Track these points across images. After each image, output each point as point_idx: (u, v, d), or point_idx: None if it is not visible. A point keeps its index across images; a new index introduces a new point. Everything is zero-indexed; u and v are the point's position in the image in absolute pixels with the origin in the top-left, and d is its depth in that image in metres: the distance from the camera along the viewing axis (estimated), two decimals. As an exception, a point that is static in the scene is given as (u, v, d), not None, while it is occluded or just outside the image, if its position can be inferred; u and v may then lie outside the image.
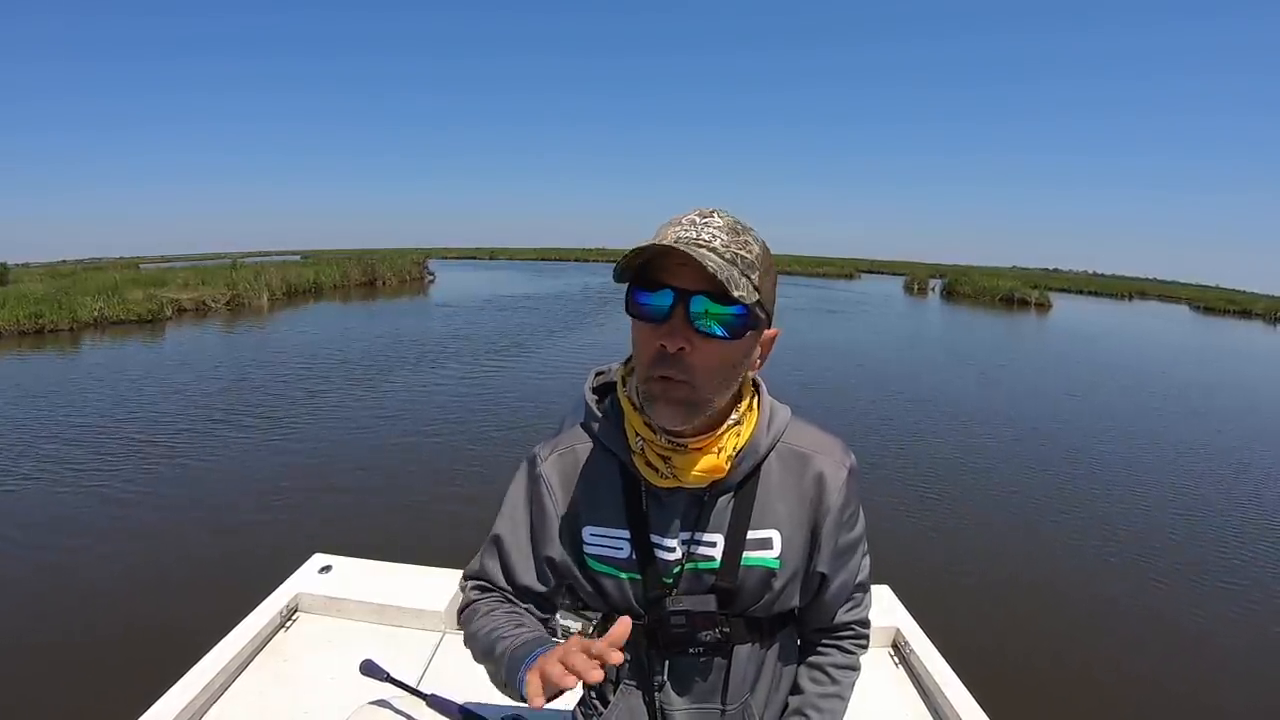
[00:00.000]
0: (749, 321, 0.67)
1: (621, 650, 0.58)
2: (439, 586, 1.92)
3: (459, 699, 1.36)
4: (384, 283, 24.48)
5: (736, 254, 0.65)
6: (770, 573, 0.76)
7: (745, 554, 0.76)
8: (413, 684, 1.45)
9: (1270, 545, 4.49)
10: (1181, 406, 9.06)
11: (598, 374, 0.86)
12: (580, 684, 0.92)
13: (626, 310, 0.69)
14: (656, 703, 0.79)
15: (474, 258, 60.92)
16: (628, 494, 0.77)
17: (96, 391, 7.83)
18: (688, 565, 0.76)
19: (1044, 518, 4.87)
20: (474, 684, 1.52)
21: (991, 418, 7.72)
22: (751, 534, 0.76)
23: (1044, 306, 25.50)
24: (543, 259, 58.02)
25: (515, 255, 65.22)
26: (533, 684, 0.60)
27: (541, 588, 0.81)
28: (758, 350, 0.74)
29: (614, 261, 0.66)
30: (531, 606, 0.82)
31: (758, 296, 0.66)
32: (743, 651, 0.79)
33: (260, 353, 10.73)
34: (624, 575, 0.77)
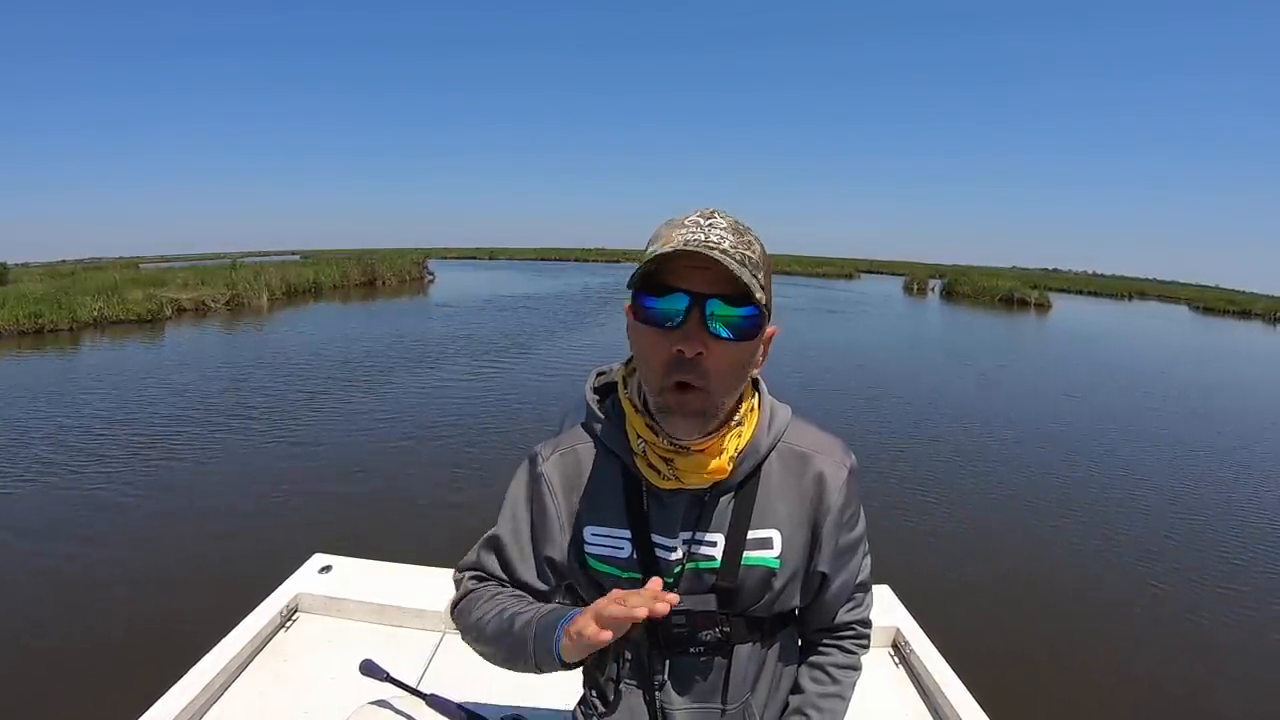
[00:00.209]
0: (760, 322, 0.67)
1: (665, 603, 0.60)
2: (439, 586, 1.92)
3: (459, 699, 1.36)
4: (384, 283, 24.48)
5: (745, 255, 0.65)
6: (770, 572, 0.76)
7: (745, 554, 0.76)
8: (413, 684, 1.45)
9: (1269, 547, 4.49)
10: (1181, 407, 9.07)
11: (598, 374, 0.86)
12: (582, 682, 0.92)
13: (635, 316, 0.69)
14: (657, 702, 0.79)
15: (474, 258, 60.89)
16: (629, 494, 0.77)
17: (96, 391, 7.83)
18: (688, 565, 0.76)
19: (1044, 518, 4.87)
20: (474, 684, 1.52)
21: (991, 418, 7.73)
22: (752, 534, 0.76)
23: (1044, 307, 25.50)
24: (542, 259, 57.98)
25: (515, 255, 65.16)
26: (572, 639, 0.63)
27: (541, 586, 0.81)
28: (760, 349, 0.74)
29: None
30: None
31: (764, 296, 0.66)
32: (743, 651, 0.79)
33: (260, 353, 10.74)
34: (625, 575, 0.77)
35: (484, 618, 0.77)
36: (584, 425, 0.82)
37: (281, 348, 11.12)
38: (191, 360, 9.97)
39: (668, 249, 0.63)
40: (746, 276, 0.63)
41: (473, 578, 0.84)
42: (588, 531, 0.79)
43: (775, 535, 0.77)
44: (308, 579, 1.94)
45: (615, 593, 0.62)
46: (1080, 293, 42.29)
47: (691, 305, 0.65)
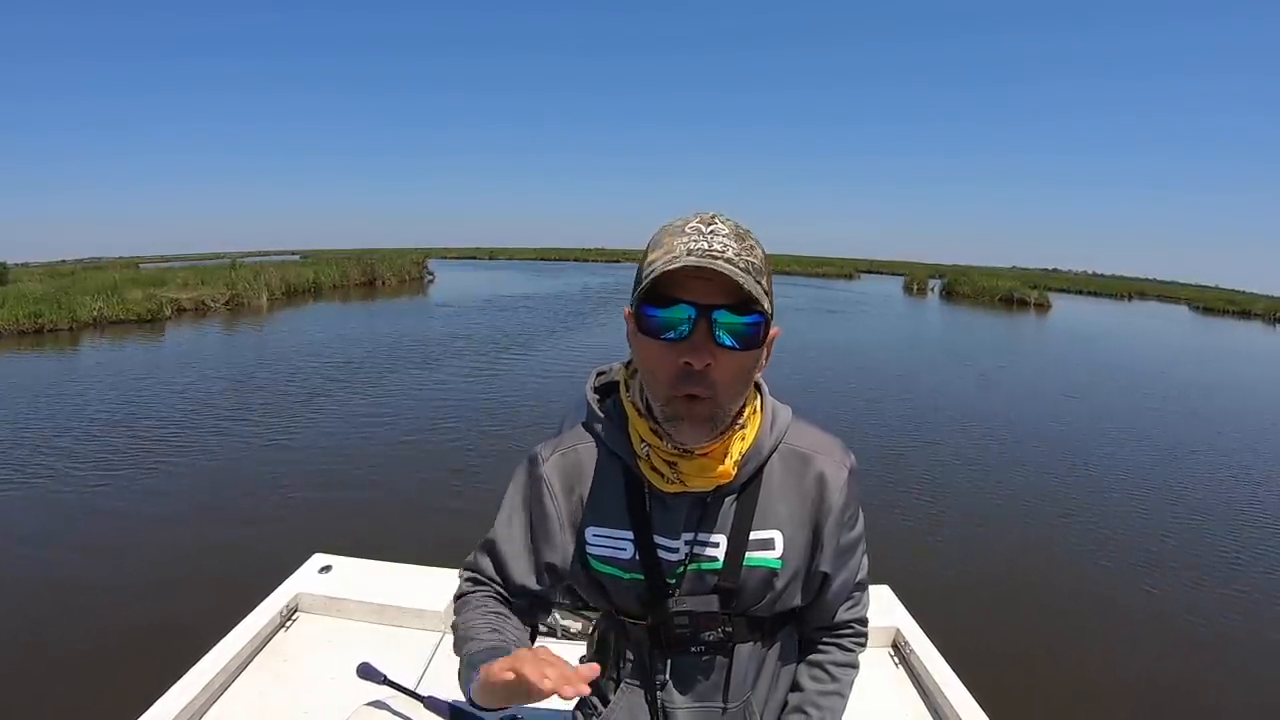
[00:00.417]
0: (765, 329, 0.67)
1: (575, 691, 0.56)
2: (439, 586, 1.92)
3: (458, 700, 1.36)
4: (383, 283, 24.47)
5: (748, 262, 0.64)
6: (772, 573, 0.77)
7: (748, 554, 0.76)
8: (412, 684, 1.44)
9: (1269, 548, 4.49)
10: (1181, 407, 9.08)
11: (599, 373, 0.86)
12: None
13: (638, 327, 0.68)
14: (658, 701, 0.80)
15: (474, 258, 60.87)
16: (630, 495, 0.77)
17: (96, 391, 7.83)
18: (690, 566, 0.76)
19: (1043, 518, 4.87)
20: (474, 684, 1.52)
21: (991, 418, 7.73)
22: (754, 535, 0.76)
23: (1043, 307, 25.51)
24: (542, 259, 57.97)
25: (515, 255, 65.13)
26: (480, 682, 0.60)
27: (537, 587, 0.81)
28: (764, 352, 0.73)
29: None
30: (524, 605, 0.82)
31: (769, 302, 0.66)
32: (744, 650, 0.79)
33: (259, 353, 10.74)
34: (627, 576, 0.77)
35: (460, 627, 0.77)
36: (585, 425, 0.82)
37: (281, 348, 11.13)
38: (191, 360, 9.97)
39: (674, 266, 0.62)
40: (751, 285, 0.62)
41: (468, 579, 0.85)
42: (589, 532, 0.79)
43: (777, 536, 0.77)
44: (308, 579, 1.94)
45: (543, 652, 0.59)
46: (1080, 293, 42.31)
47: (698, 317, 0.64)
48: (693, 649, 0.78)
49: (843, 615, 0.86)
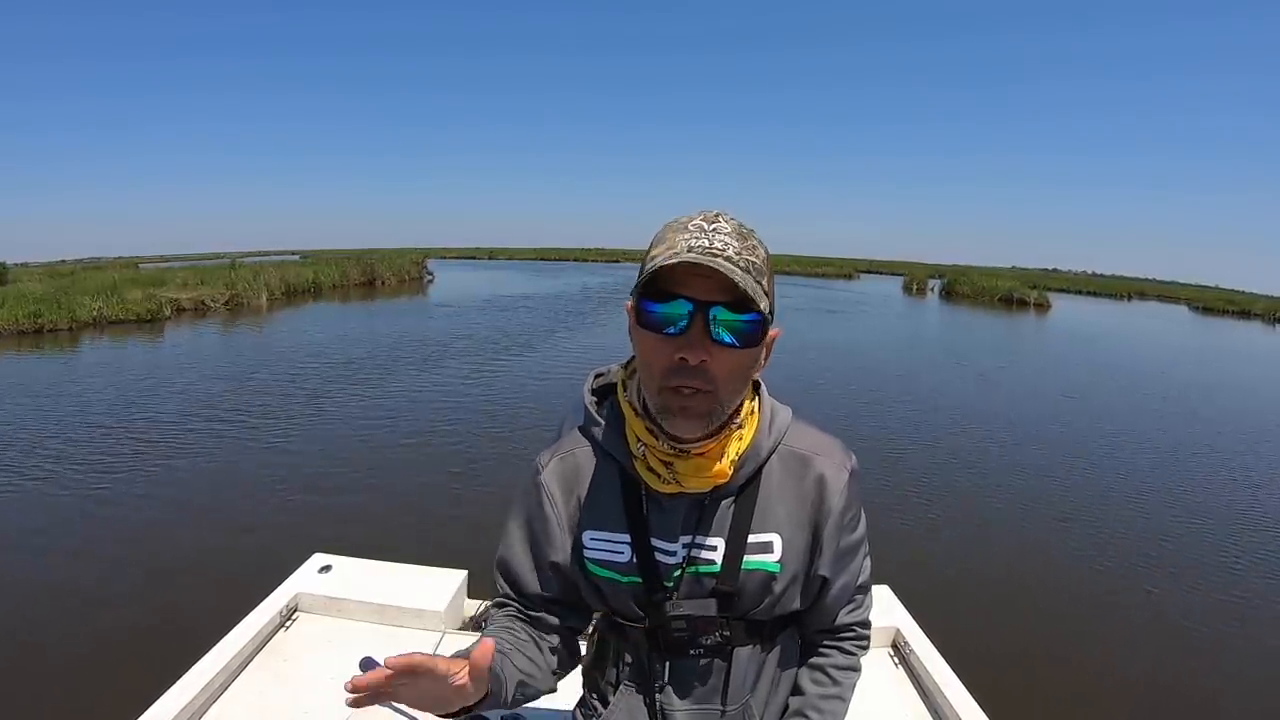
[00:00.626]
0: (763, 328, 0.67)
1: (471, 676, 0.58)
2: (439, 586, 1.92)
3: None
4: (383, 283, 24.46)
5: (749, 261, 0.65)
6: (771, 576, 0.76)
7: (746, 558, 0.75)
8: None
9: (1270, 550, 4.49)
10: (1181, 407, 9.07)
11: (596, 375, 0.86)
12: (581, 683, 0.92)
13: (637, 321, 0.68)
14: (657, 704, 0.79)
15: (473, 257, 60.83)
16: (628, 498, 0.77)
17: (95, 392, 7.82)
18: (688, 569, 0.76)
19: (1044, 519, 4.87)
20: (474, 684, 1.52)
21: (991, 419, 7.73)
22: (752, 538, 0.76)
23: (1043, 307, 25.50)
24: (542, 259, 57.94)
25: (514, 255, 65.09)
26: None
27: (548, 595, 0.81)
28: (764, 351, 0.73)
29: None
30: (545, 615, 0.82)
31: (768, 301, 0.66)
32: (743, 653, 0.79)
33: (259, 353, 10.74)
34: (624, 579, 0.77)
35: None
36: (582, 429, 0.81)
37: (281, 348, 11.12)
38: (191, 360, 9.96)
39: (673, 261, 0.63)
40: (750, 284, 0.63)
41: (493, 604, 0.85)
42: (587, 536, 0.79)
43: (776, 539, 0.76)
44: (307, 579, 1.94)
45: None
46: (1080, 293, 42.30)
47: (695, 312, 0.64)
48: (691, 652, 0.77)
49: (844, 618, 0.86)
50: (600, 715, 0.84)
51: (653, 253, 0.67)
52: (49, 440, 5.94)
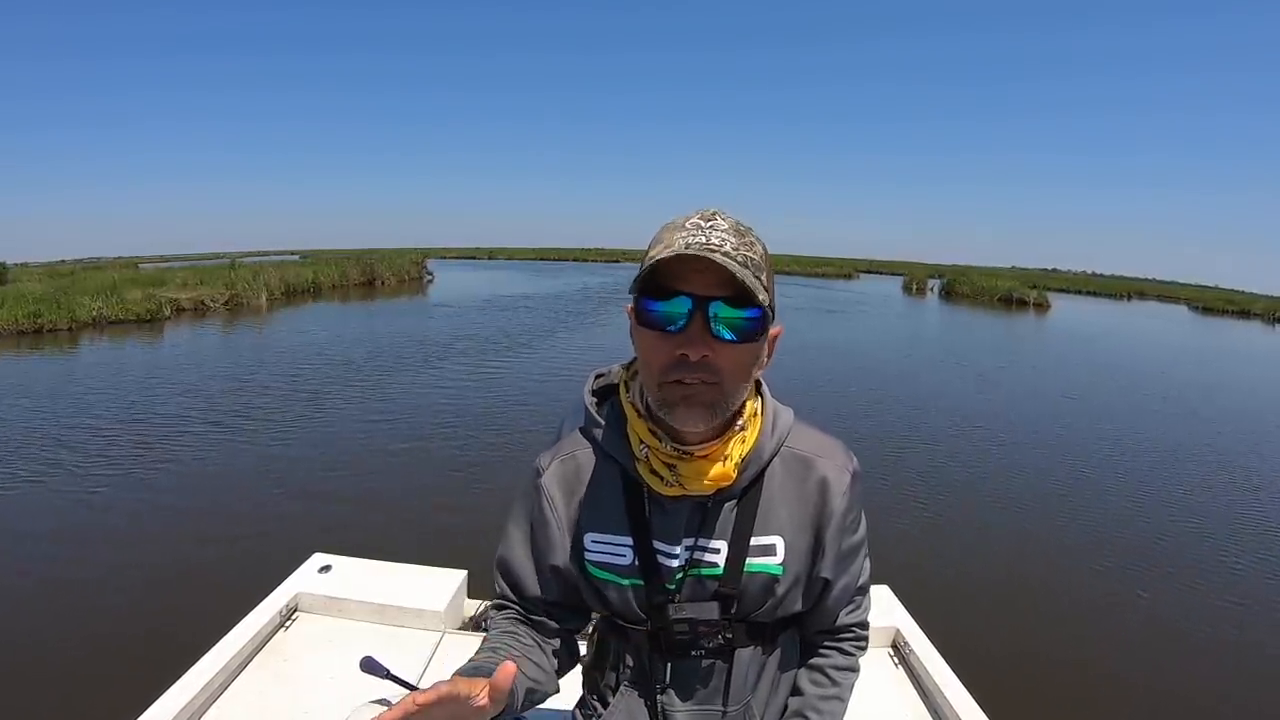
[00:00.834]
0: (764, 323, 0.67)
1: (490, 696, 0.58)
2: (439, 586, 1.92)
3: None
4: (383, 283, 24.45)
5: (747, 256, 0.65)
6: (773, 579, 0.76)
7: (748, 560, 0.75)
8: (413, 682, 1.44)
9: (1270, 552, 4.49)
10: (1181, 408, 9.07)
11: (597, 376, 0.86)
12: (581, 684, 0.92)
13: (637, 320, 0.68)
14: (658, 705, 0.79)
15: (473, 257, 60.83)
16: (630, 500, 0.77)
17: (95, 392, 7.82)
18: (691, 572, 0.76)
19: (1043, 519, 4.87)
20: (474, 684, 1.52)
21: (991, 419, 7.72)
22: (755, 540, 0.75)
23: (1043, 306, 25.51)
24: (541, 259, 57.95)
25: (514, 255, 65.08)
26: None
27: (549, 598, 0.81)
28: (766, 348, 0.73)
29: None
30: (545, 617, 0.82)
31: (768, 296, 0.66)
32: (744, 655, 0.79)
33: (259, 353, 10.73)
34: (626, 582, 0.77)
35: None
36: (583, 430, 0.81)
37: (280, 348, 11.12)
38: (190, 360, 9.96)
39: (668, 254, 0.63)
40: (748, 278, 0.62)
41: (493, 605, 0.85)
42: (588, 539, 0.78)
43: (778, 541, 0.76)
44: (307, 579, 1.94)
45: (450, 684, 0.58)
46: (1079, 292, 42.31)
47: (694, 308, 0.64)
48: (693, 654, 0.77)
49: (844, 619, 0.86)
50: (600, 716, 0.84)
51: (651, 253, 0.67)
52: (48, 441, 5.93)
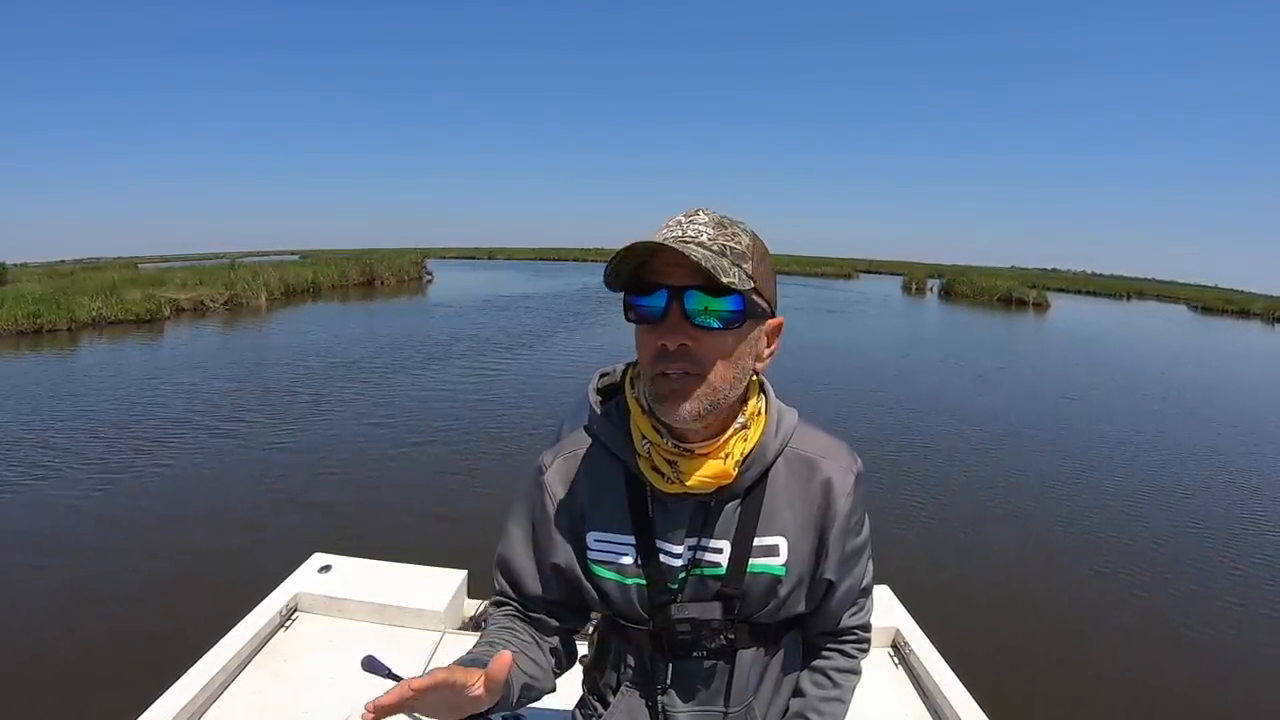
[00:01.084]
0: (746, 310, 0.67)
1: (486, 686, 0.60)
2: (439, 586, 1.92)
3: None
4: (382, 283, 24.46)
5: (725, 245, 0.66)
6: (776, 580, 0.76)
7: (751, 561, 0.75)
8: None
9: (1269, 552, 4.49)
10: (1180, 408, 9.07)
11: (602, 375, 0.86)
12: (581, 683, 0.92)
13: (625, 316, 0.69)
14: (659, 706, 0.79)
15: (472, 257, 60.86)
16: (632, 499, 0.77)
17: (94, 392, 7.82)
18: (693, 572, 0.76)
19: (1044, 520, 4.87)
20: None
21: (990, 420, 7.72)
22: (758, 541, 0.75)
23: (1042, 306, 25.53)
24: (541, 259, 58.00)
25: (513, 255, 65.15)
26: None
27: (550, 596, 0.81)
28: (764, 340, 0.73)
29: (610, 259, 0.66)
30: (545, 615, 0.82)
31: (752, 284, 0.66)
32: (747, 656, 0.79)
33: (258, 353, 10.73)
34: (628, 581, 0.77)
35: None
36: (586, 428, 0.81)
37: (280, 348, 11.11)
38: (190, 361, 9.95)
39: (625, 245, 0.64)
40: (722, 265, 0.63)
41: (492, 602, 0.86)
42: (590, 537, 0.78)
43: (781, 542, 0.76)
44: (307, 579, 1.94)
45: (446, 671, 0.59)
46: (1079, 292, 42.33)
47: (670, 298, 0.65)
48: (695, 654, 0.77)
49: (846, 621, 0.86)
50: (601, 716, 0.84)
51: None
52: (48, 441, 5.93)
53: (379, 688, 1.55)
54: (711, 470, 0.71)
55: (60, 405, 7.18)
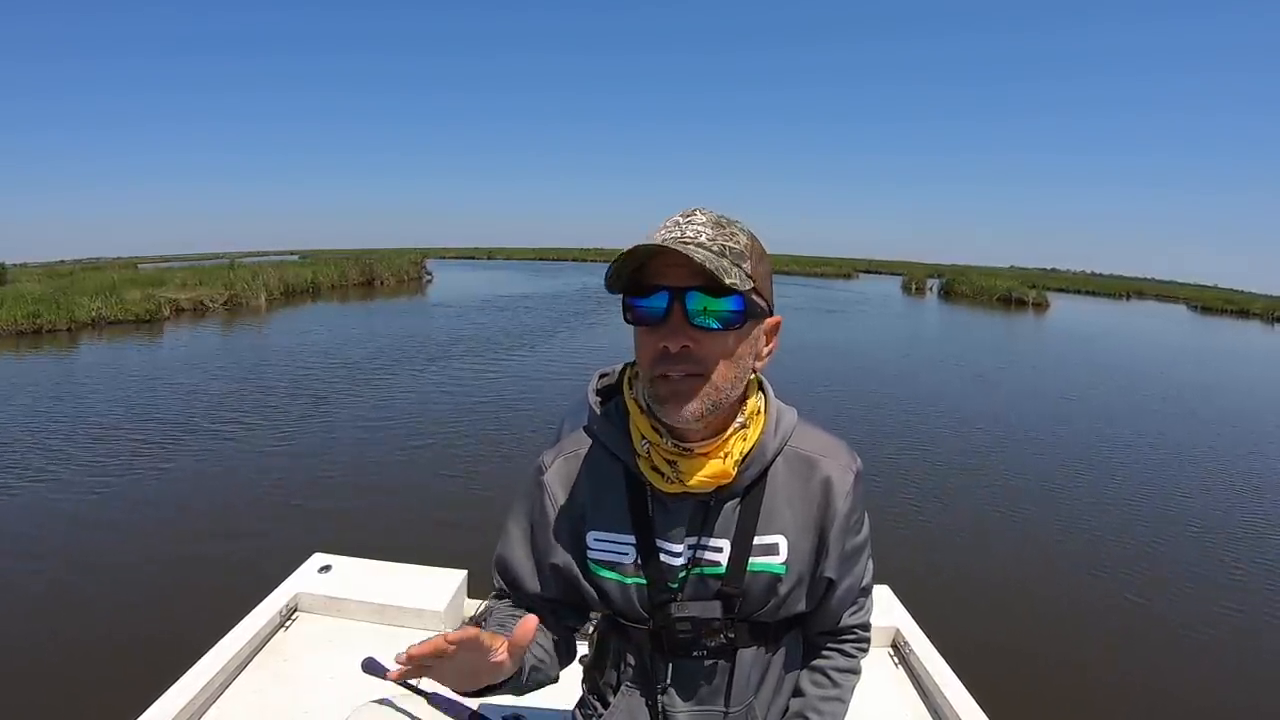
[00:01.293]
0: (746, 310, 0.67)
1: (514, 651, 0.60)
2: (439, 586, 1.92)
3: (460, 698, 1.35)
4: (382, 283, 24.45)
5: (725, 245, 0.66)
6: (776, 579, 0.76)
7: (751, 560, 0.75)
8: (413, 682, 1.44)
9: (1270, 554, 4.49)
10: (1180, 408, 9.07)
11: (601, 375, 0.86)
12: (581, 682, 0.92)
13: (626, 318, 0.69)
14: (659, 705, 0.79)
15: (472, 257, 60.85)
16: (633, 498, 0.77)
17: (94, 392, 7.81)
18: (693, 571, 0.76)
19: (1044, 520, 4.87)
20: (474, 684, 1.52)
21: (990, 420, 7.73)
22: (758, 540, 0.75)
23: (1042, 306, 25.54)
24: (541, 259, 58.01)
25: (513, 255, 65.16)
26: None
27: (549, 595, 0.81)
28: (763, 339, 0.73)
29: (612, 262, 0.66)
30: (545, 614, 0.82)
31: (751, 284, 0.66)
32: (747, 655, 0.79)
33: (258, 353, 10.72)
34: (628, 580, 0.77)
35: None
36: (586, 428, 0.81)
37: (280, 348, 11.11)
38: (190, 361, 9.94)
39: (628, 248, 0.64)
40: (723, 265, 0.63)
41: (492, 595, 0.86)
42: (591, 537, 0.78)
43: (781, 541, 0.76)
44: (307, 579, 1.94)
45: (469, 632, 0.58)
46: (1079, 292, 42.34)
47: (671, 300, 0.65)
48: (695, 653, 0.77)
49: (847, 620, 0.86)
50: (601, 716, 0.84)
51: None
52: (48, 441, 5.92)
53: (379, 688, 1.55)
54: (711, 470, 0.72)
55: (60, 405, 7.17)
